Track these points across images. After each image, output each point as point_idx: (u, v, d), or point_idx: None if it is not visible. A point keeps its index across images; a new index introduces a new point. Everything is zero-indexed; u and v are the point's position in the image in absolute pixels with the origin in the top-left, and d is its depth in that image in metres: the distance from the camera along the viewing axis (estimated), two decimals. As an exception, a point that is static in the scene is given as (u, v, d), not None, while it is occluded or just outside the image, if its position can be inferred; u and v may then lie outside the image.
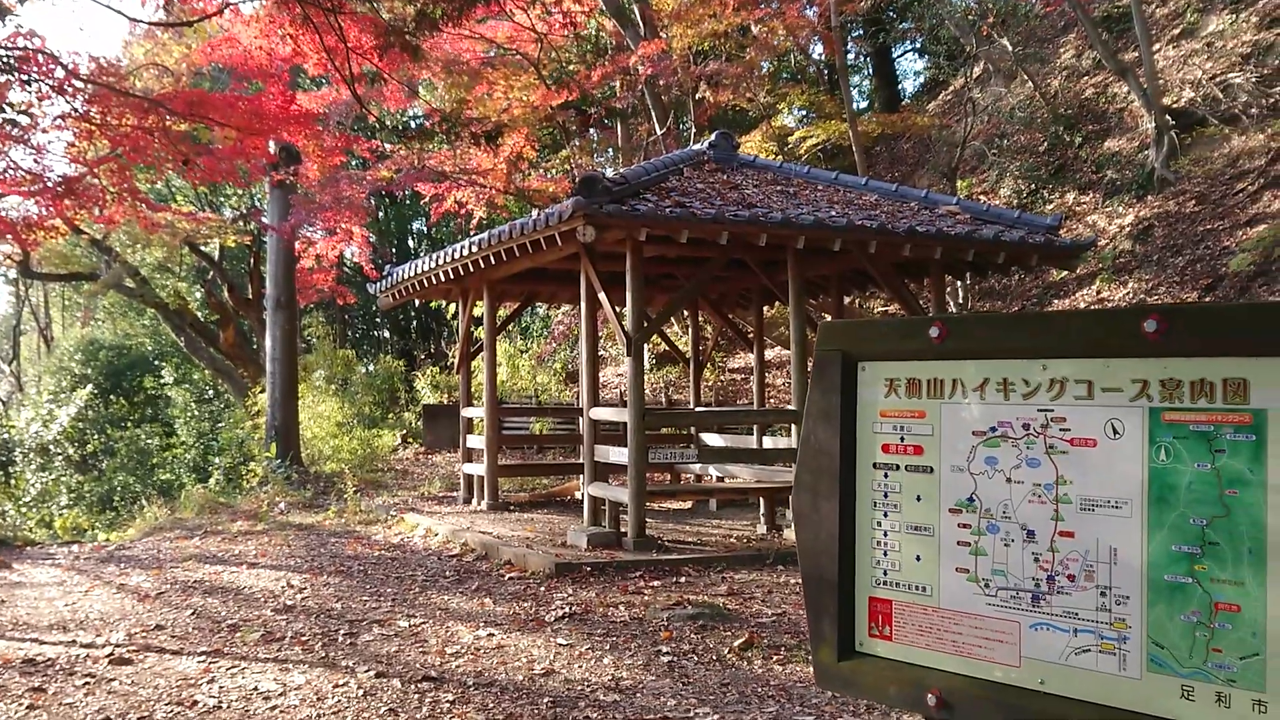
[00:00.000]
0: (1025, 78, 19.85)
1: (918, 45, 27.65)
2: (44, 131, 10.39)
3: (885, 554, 2.20)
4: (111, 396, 25.14)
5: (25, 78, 9.55)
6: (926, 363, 2.16)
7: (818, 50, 24.59)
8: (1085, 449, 1.93)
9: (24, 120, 10.21)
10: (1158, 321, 1.82)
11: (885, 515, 2.20)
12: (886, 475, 2.21)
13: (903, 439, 2.19)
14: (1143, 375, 1.86)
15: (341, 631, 6.57)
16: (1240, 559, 1.74)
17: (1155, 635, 1.82)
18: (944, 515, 2.11)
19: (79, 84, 9.94)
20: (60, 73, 9.87)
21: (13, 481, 20.50)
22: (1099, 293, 15.47)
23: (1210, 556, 1.77)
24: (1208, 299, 13.64)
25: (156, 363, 26.38)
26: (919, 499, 2.16)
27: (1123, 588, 1.86)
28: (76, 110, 10.11)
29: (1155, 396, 1.85)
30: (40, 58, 9.24)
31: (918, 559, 2.15)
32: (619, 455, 9.65)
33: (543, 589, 7.82)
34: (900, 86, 28.79)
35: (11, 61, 9.41)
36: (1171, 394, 1.83)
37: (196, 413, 22.35)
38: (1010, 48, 19.05)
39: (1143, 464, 1.86)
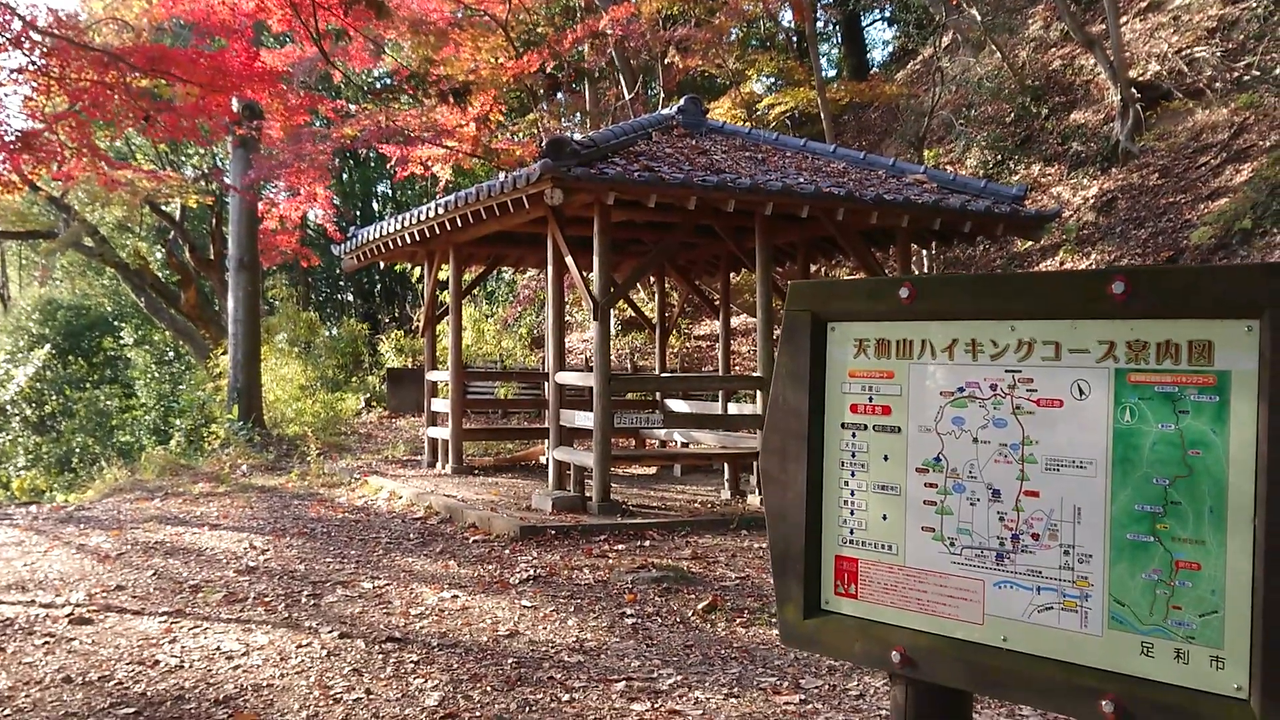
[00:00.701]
0: (994, 48, 19.89)
1: (887, 14, 27.62)
2: (0, 85, 10.19)
3: (852, 513, 2.21)
4: (70, 357, 24.82)
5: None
6: (896, 323, 2.16)
7: (787, 17, 24.50)
8: (1051, 409, 1.95)
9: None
10: (1124, 283, 1.83)
11: (852, 475, 2.21)
12: (854, 435, 2.22)
13: (871, 399, 2.20)
14: (1109, 336, 1.87)
15: (305, 593, 6.55)
16: (1201, 518, 1.76)
17: (1117, 593, 1.84)
18: (911, 475, 2.12)
19: (36, 37, 9.74)
20: (17, 25, 9.66)
21: (-32, 442, 20.26)
22: (1062, 263, 15.59)
23: (1172, 516, 1.79)
24: (1169, 271, 13.77)
25: (116, 323, 26.05)
26: (886, 459, 2.17)
27: (1085, 546, 1.88)
28: (34, 64, 9.91)
29: (1121, 358, 1.86)
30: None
31: (884, 518, 2.16)
32: (584, 420, 9.65)
33: (507, 552, 7.83)
34: (869, 55, 28.80)
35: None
36: (1137, 355, 1.84)
37: (157, 374, 22.11)
38: (979, 18, 19.08)
39: (1108, 424, 1.87)
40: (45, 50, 9.91)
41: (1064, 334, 1.93)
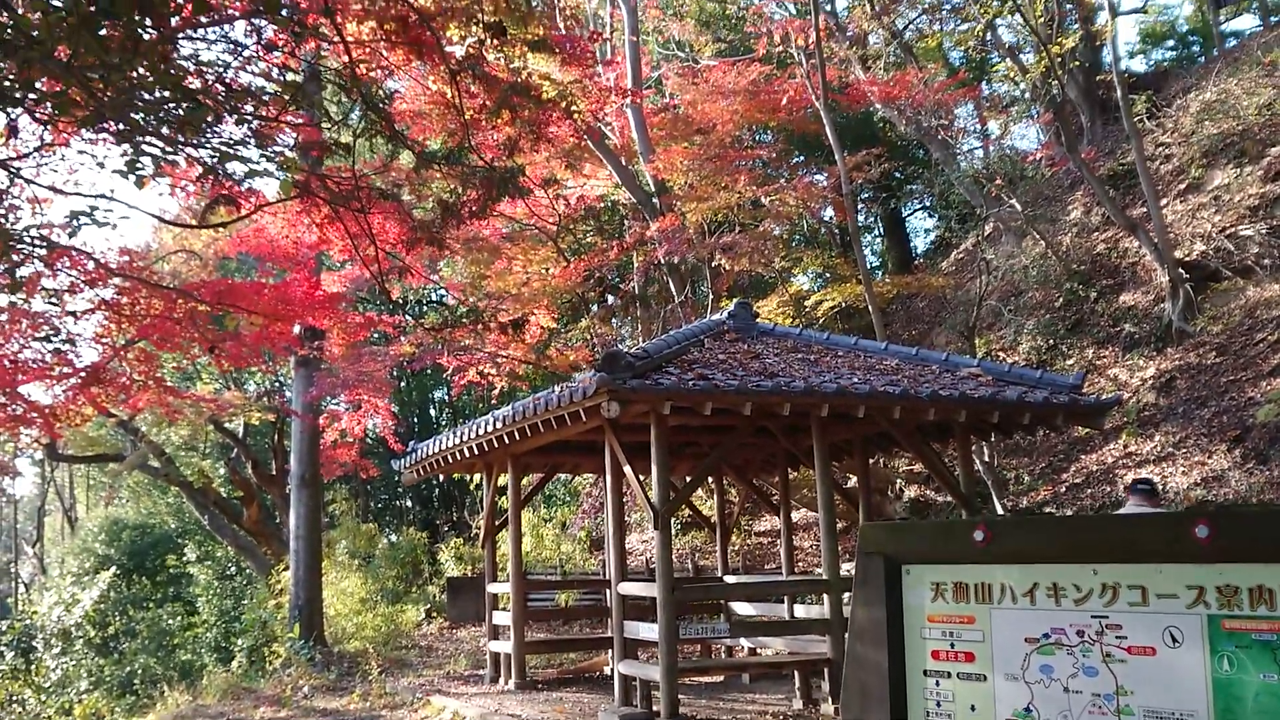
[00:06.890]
0: (1036, 236, 20.15)
1: (927, 204, 28.22)
2: (75, 319, 10.59)
3: (942, 769, 2.11)
4: (134, 576, 25.01)
5: (55, 271, 9.78)
6: (972, 566, 2.12)
7: (829, 213, 25.10)
8: (1144, 657, 1.87)
9: (54, 309, 10.43)
10: (1208, 526, 1.78)
11: (939, 727, 2.12)
12: (938, 683, 2.14)
13: (953, 645, 2.13)
14: (1198, 581, 1.81)
15: (368, 830, 6.33)
16: (1318, 776, 1.66)
17: None
18: (1001, 728, 2.04)
19: (110, 277, 10.18)
20: (91, 265, 10.12)
21: (33, 668, 20.23)
22: (1125, 446, 15.34)
23: (1286, 774, 1.69)
24: (1237, 450, 13.50)
25: (179, 540, 26.29)
26: (973, 709, 2.09)
27: (1196, 807, 1.78)
28: (106, 300, 10.33)
29: (1213, 603, 1.80)
30: (73, 254, 9.48)
31: (976, 774, 2.07)
32: (649, 631, 9.45)
33: (575, 777, 7.56)
34: (912, 244, 29.29)
35: (40, 253, 9.65)
36: (1229, 601, 1.78)
37: (218, 590, 22.14)
38: (1019, 207, 19.40)
39: (1205, 673, 1.80)
40: (117, 287, 10.34)
41: (1150, 578, 1.88)
